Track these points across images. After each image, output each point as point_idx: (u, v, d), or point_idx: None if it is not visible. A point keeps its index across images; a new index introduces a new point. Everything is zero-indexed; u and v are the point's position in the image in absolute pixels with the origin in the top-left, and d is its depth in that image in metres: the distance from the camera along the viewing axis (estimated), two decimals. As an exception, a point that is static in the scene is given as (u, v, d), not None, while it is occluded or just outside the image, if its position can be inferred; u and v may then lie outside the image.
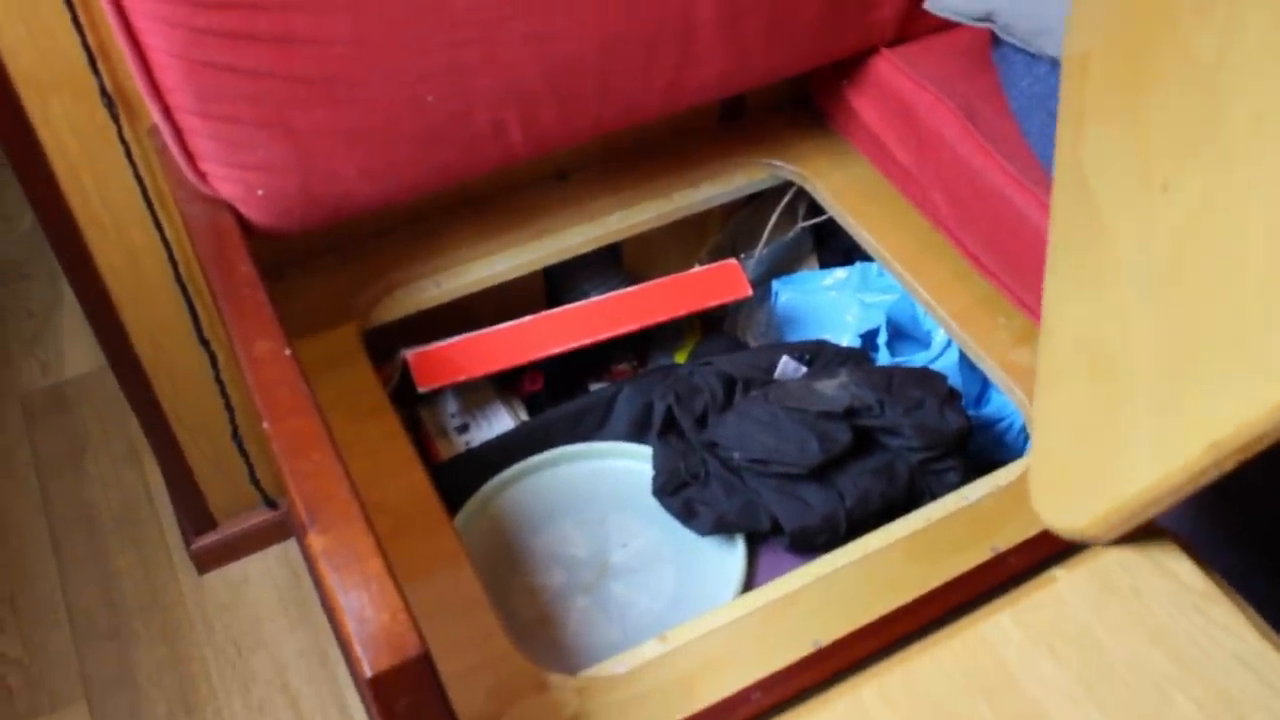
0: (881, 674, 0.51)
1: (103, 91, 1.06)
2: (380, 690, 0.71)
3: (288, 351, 0.88)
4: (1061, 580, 0.55)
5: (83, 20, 1.02)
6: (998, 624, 0.53)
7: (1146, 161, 0.63)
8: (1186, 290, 0.56)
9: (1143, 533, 0.58)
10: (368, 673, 0.69)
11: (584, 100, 1.16)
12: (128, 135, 1.10)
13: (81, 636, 1.49)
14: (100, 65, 1.05)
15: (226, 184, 1.04)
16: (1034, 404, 0.66)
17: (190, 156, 1.03)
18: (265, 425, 0.83)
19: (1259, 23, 0.56)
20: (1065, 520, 0.57)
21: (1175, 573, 0.57)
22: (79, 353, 1.84)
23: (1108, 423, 0.57)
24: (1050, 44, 1.14)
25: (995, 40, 1.25)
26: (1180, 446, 0.51)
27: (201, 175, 1.04)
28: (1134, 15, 0.71)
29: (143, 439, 1.41)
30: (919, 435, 1.13)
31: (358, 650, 0.70)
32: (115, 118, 1.08)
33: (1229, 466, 0.50)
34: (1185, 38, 0.62)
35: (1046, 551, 1.02)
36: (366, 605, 0.72)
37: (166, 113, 1.00)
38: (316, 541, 0.75)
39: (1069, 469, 0.58)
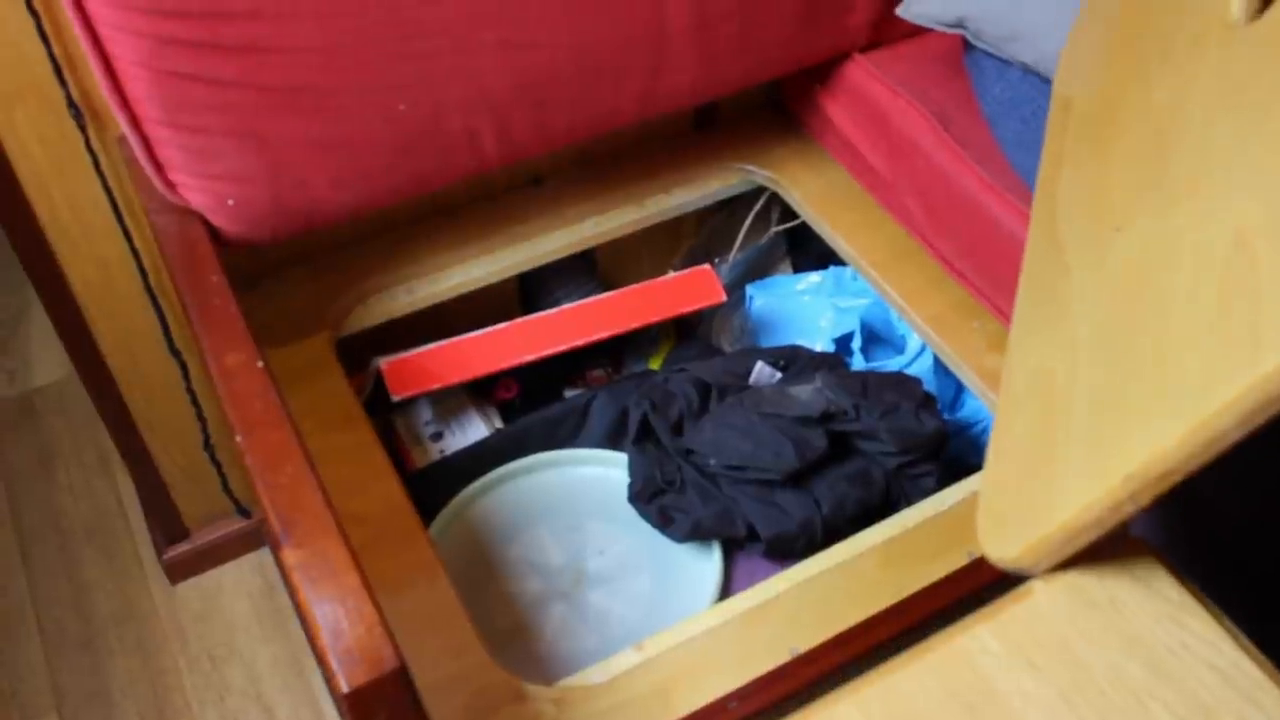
0: (860, 689, 0.51)
1: (69, 101, 1.05)
2: (357, 705, 0.70)
3: (260, 363, 0.87)
4: (1039, 592, 0.55)
5: (48, 29, 1.00)
6: (976, 637, 0.53)
7: (1106, 204, 0.65)
8: (1123, 327, 0.57)
9: (1119, 545, 0.58)
10: (344, 688, 0.69)
11: (557, 108, 1.16)
12: (95, 145, 1.09)
13: (53, 648, 1.47)
14: (66, 74, 1.04)
15: (196, 194, 1.03)
16: (991, 435, 0.67)
17: (159, 166, 1.02)
18: (238, 438, 0.82)
19: (1207, 73, 0.58)
20: (1000, 550, 0.58)
21: (1152, 584, 0.57)
22: (47, 361, 1.82)
23: (1046, 455, 0.58)
24: (1022, 50, 1.15)
25: (967, 46, 1.26)
26: (1101, 478, 0.52)
27: (171, 185, 1.03)
28: (1112, 64, 0.72)
29: (113, 448, 1.40)
30: (895, 439, 1.14)
31: (334, 665, 0.69)
32: (82, 127, 1.07)
33: (1144, 500, 0.51)
34: (1149, 89, 0.64)
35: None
36: (342, 619, 0.71)
37: (134, 123, 0.99)
38: (291, 555, 0.75)
39: (1011, 500, 0.59)
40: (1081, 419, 0.56)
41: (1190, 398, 0.48)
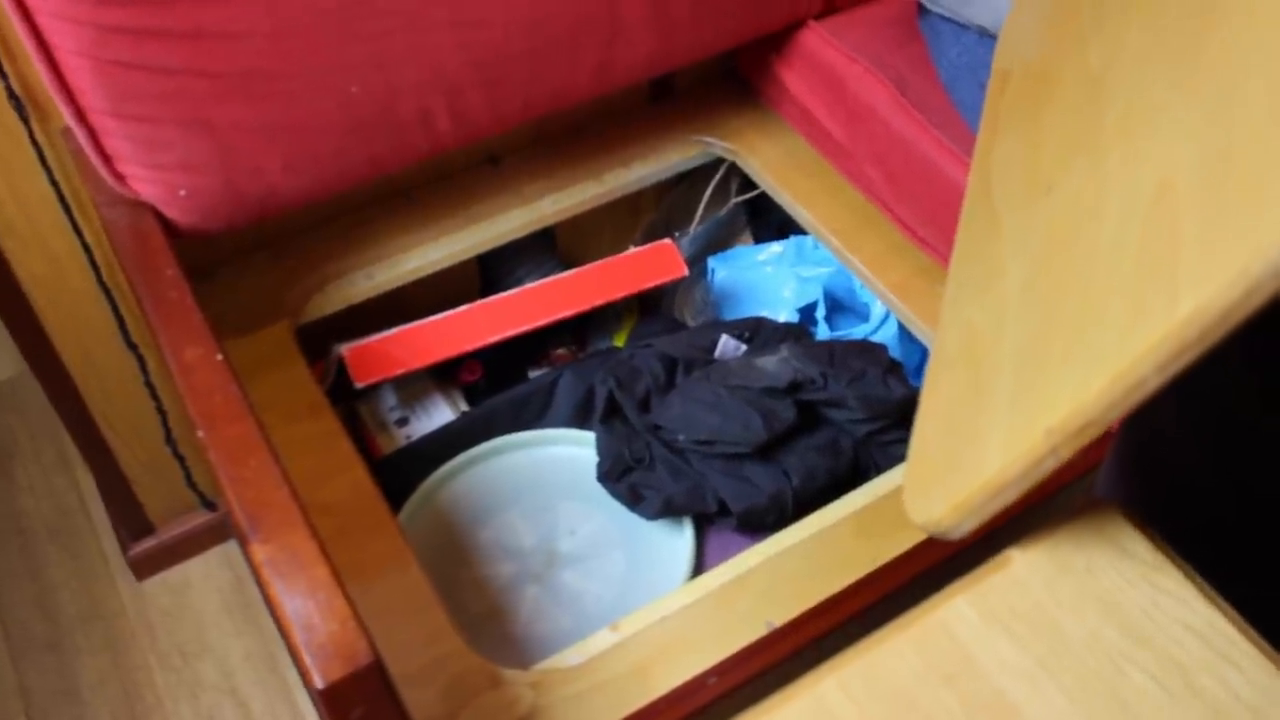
0: (840, 666, 0.51)
1: (10, 93, 1.03)
2: (333, 700, 0.69)
3: (219, 356, 0.86)
4: (1016, 560, 0.55)
5: (-16, 19, 0.98)
6: (955, 608, 0.53)
7: (1038, 167, 0.65)
8: (1050, 282, 0.57)
9: (1094, 508, 0.58)
10: (319, 684, 0.68)
11: (512, 86, 1.14)
12: (39, 137, 1.07)
13: (18, 650, 1.45)
14: (5, 65, 1.01)
15: (147, 185, 1.01)
16: (920, 401, 0.67)
17: (107, 158, 1.00)
18: (200, 433, 0.81)
19: (1137, 32, 0.58)
20: (924, 513, 0.58)
21: (1126, 546, 0.57)
22: (1, 357, 1.78)
23: (971, 415, 0.58)
24: (977, 13, 1.15)
25: (922, 10, 1.25)
26: (1024, 434, 0.52)
27: (120, 177, 1.01)
28: (1049, 36, 0.73)
29: (73, 445, 1.37)
30: (863, 406, 1.14)
31: (308, 661, 0.69)
32: (25, 119, 1.05)
33: (1065, 455, 0.51)
34: (1083, 53, 0.64)
35: (995, 523, 1.03)
36: (314, 614, 0.70)
37: (79, 114, 0.96)
38: (259, 550, 0.74)
39: (935, 462, 0.59)
40: (1006, 376, 0.56)
41: (1110, 347, 0.48)
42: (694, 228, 1.49)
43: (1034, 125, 0.69)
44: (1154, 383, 0.46)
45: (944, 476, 0.57)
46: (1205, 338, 0.44)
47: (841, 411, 1.15)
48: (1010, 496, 0.53)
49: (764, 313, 1.36)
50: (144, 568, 1.50)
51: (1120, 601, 0.55)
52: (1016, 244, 0.64)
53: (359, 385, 1.19)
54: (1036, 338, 0.56)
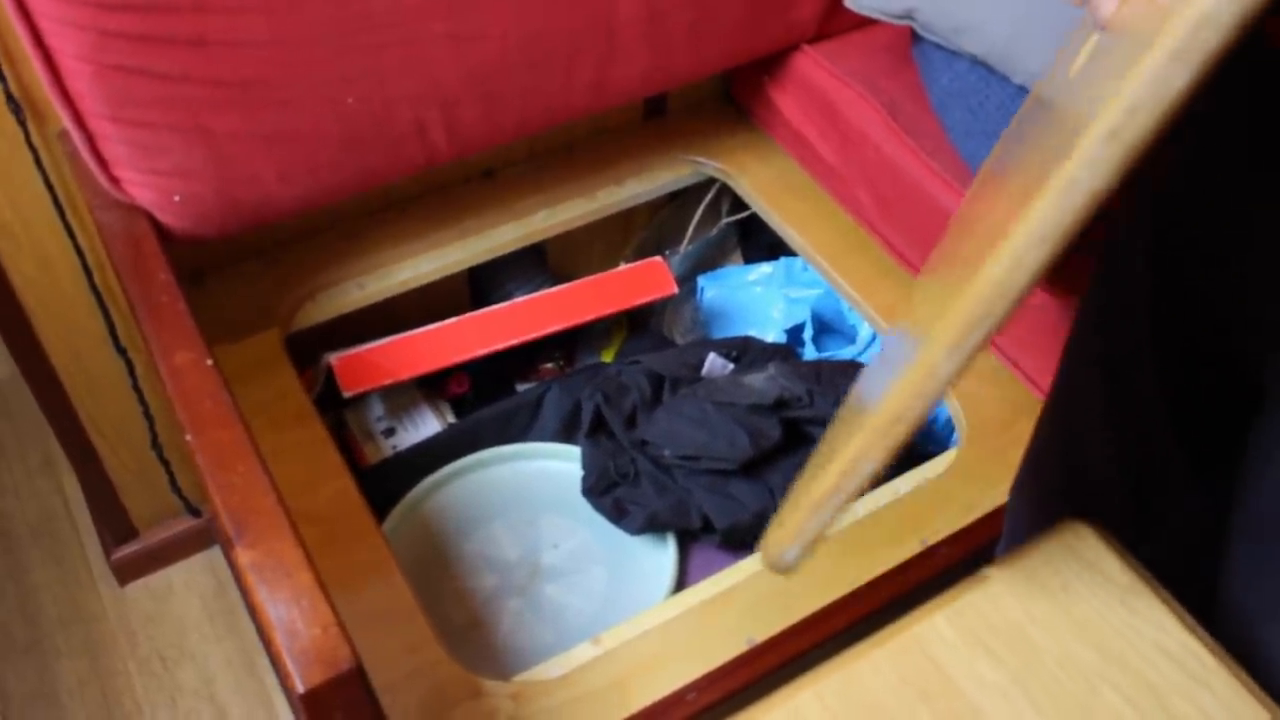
0: (818, 680, 0.51)
1: (8, 95, 1.03)
2: (313, 706, 0.70)
3: (209, 361, 0.86)
4: (994, 578, 0.56)
5: (-16, 21, 0.98)
6: (932, 624, 0.54)
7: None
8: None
9: (1068, 529, 0.59)
10: (300, 689, 0.68)
11: (507, 100, 1.15)
12: (36, 140, 1.07)
13: (-2, 653, 1.45)
14: (4, 68, 1.02)
15: (141, 190, 1.02)
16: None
17: (103, 162, 1.00)
18: (188, 438, 0.81)
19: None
20: (764, 551, 0.58)
21: (1101, 567, 0.58)
22: (-11, 360, 1.78)
23: (813, 467, 0.58)
24: (969, 41, 1.16)
25: (915, 37, 1.27)
26: (830, 465, 0.53)
27: (115, 181, 1.01)
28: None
29: (59, 448, 1.37)
30: (846, 429, 1.14)
31: (289, 665, 0.69)
32: (22, 122, 1.05)
33: (848, 488, 0.52)
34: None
35: (975, 544, 1.04)
36: (297, 620, 0.71)
37: (77, 118, 0.97)
38: (244, 556, 0.74)
39: (786, 505, 0.59)
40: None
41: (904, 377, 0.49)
42: (684, 246, 1.50)
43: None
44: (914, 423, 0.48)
45: (784, 515, 0.57)
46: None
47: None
48: (829, 512, 0.53)
49: (752, 332, 1.36)
50: (126, 572, 1.50)
51: (1095, 622, 0.56)
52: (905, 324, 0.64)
53: (347, 394, 1.19)
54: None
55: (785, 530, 0.55)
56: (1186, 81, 0.40)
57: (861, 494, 0.53)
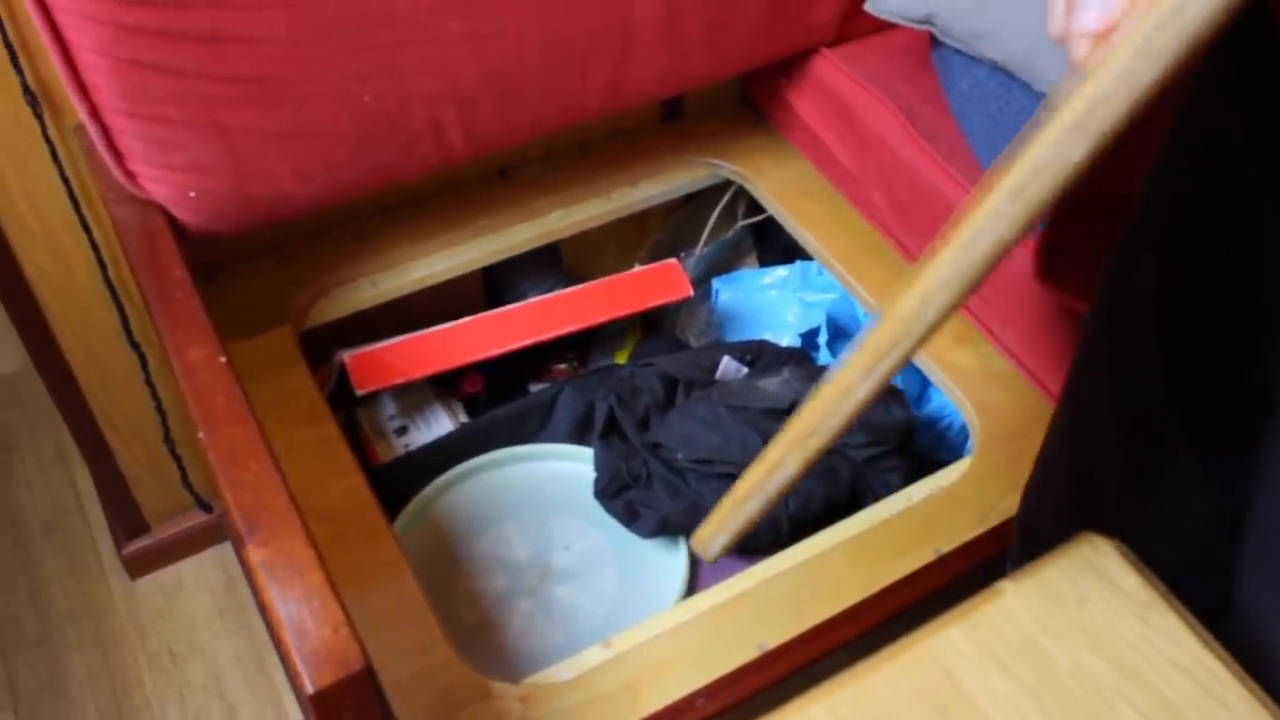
0: (831, 691, 0.51)
1: (25, 88, 1.03)
2: (322, 706, 0.69)
3: (222, 358, 0.86)
4: (1008, 592, 0.55)
5: (1, 14, 0.98)
6: (947, 637, 0.53)
7: None
8: None
9: (1084, 541, 0.58)
10: (309, 689, 0.68)
11: (523, 100, 1.15)
12: (52, 133, 1.07)
13: (9, 645, 1.45)
14: (22, 61, 1.02)
15: (157, 185, 1.02)
16: None
17: (119, 156, 1.00)
18: (200, 434, 0.81)
19: None
20: (695, 537, 0.60)
21: (1117, 581, 0.57)
22: (3, 353, 1.78)
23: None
24: (990, 47, 1.15)
25: (935, 42, 1.26)
26: (770, 450, 0.55)
27: (131, 176, 1.01)
28: None
29: (71, 442, 1.37)
30: (864, 430, 1.14)
31: (299, 665, 0.69)
32: (39, 115, 1.05)
33: (792, 465, 0.55)
34: None
35: (988, 553, 1.03)
36: (307, 619, 0.70)
37: (93, 112, 0.97)
38: (255, 554, 0.74)
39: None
40: None
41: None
42: (700, 249, 1.49)
43: None
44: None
45: (719, 505, 0.59)
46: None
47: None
48: (752, 509, 0.56)
49: (767, 336, 1.36)
50: (137, 567, 1.50)
51: (1110, 636, 0.56)
52: None
53: (360, 393, 1.19)
54: None
55: (716, 519, 0.58)
56: (1085, 153, 0.43)
57: (784, 495, 0.56)
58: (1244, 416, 0.70)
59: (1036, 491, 0.90)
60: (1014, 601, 0.56)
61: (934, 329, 0.48)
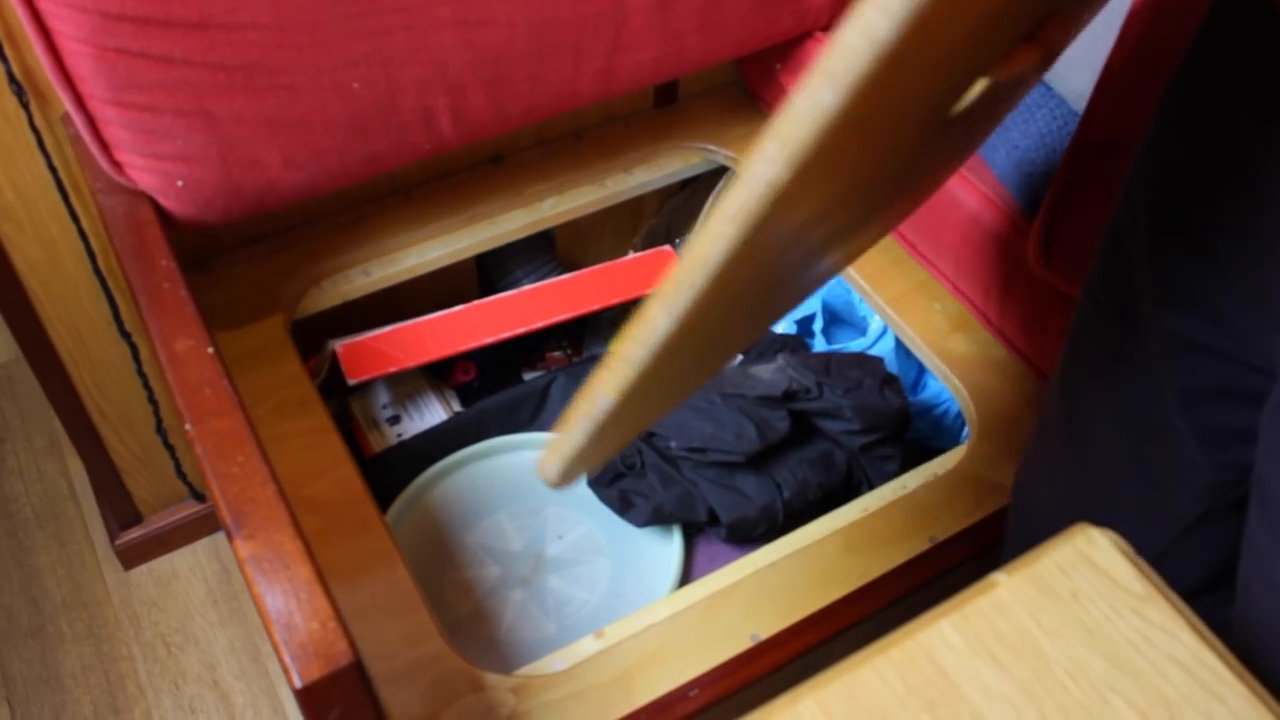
0: (820, 687, 0.50)
1: (10, 77, 1.02)
2: (311, 700, 0.69)
3: (210, 349, 0.85)
4: (1002, 585, 0.55)
5: (-14, 4, 0.97)
6: (939, 631, 0.53)
7: None
8: None
9: (1079, 533, 0.57)
10: (297, 683, 0.67)
11: (515, 87, 1.14)
12: (39, 123, 1.06)
13: (2, 636, 1.45)
14: (6, 50, 1.01)
15: (144, 174, 1.01)
16: None
17: (105, 146, 0.99)
18: (187, 426, 0.80)
19: None
20: (539, 467, 0.60)
21: (1113, 575, 0.56)
22: (-5, 342, 1.78)
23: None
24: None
25: (929, 25, 1.25)
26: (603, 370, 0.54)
27: (118, 165, 1.00)
28: None
29: (64, 432, 1.37)
30: (859, 416, 1.13)
31: (287, 659, 0.68)
32: (25, 105, 1.04)
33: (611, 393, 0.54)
34: None
35: (984, 542, 1.03)
36: (295, 613, 0.70)
37: (79, 101, 0.96)
38: (243, 547, 0.73)
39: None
40: None
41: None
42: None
43: None
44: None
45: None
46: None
47: (837, 422, 1.14)
48: (576, 436, 0.56)
49: (761, 323, 1.35)
50: (131, 557, 1.50)
51: (1106, 630, 0.55)
52: None
53: (352, 382, 1.19)
54: None
55: (551, 446, 0.59)
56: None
57: (610, 425, 0.56)
58: (1240, 382, 0.69)
59: (1029, 478, 0.90)
60: (1007, 594, 0.55)
61: (726, 267, 0.49)
